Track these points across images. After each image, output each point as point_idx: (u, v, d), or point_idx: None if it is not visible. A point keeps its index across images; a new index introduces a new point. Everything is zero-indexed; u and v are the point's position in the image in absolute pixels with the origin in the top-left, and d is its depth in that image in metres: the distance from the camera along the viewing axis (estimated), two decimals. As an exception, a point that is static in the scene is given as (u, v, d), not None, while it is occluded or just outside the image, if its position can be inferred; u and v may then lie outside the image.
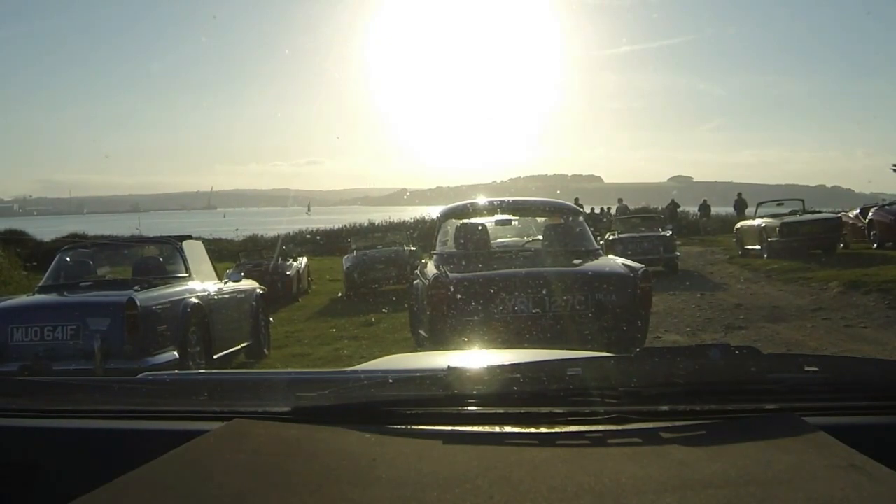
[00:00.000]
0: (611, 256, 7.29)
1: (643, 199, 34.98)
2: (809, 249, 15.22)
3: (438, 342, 5.45)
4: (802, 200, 18.53)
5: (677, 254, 16.25)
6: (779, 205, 18.88)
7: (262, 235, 32.23)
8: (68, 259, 7.58)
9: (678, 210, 31.89)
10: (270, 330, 9.25)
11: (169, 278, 7.28)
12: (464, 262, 6.32)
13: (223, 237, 31.09)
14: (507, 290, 5.59)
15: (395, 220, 33.58)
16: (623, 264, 6.13)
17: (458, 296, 5.56)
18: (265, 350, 8.73)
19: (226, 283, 7.99)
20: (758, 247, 16.90)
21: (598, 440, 0.99)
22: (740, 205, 27.70)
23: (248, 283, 8.78)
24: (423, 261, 7.16)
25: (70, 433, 1.14)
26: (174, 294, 6.85)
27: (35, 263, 15.10)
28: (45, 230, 28.88)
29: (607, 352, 1.60)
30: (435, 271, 5.91)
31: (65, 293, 6.88)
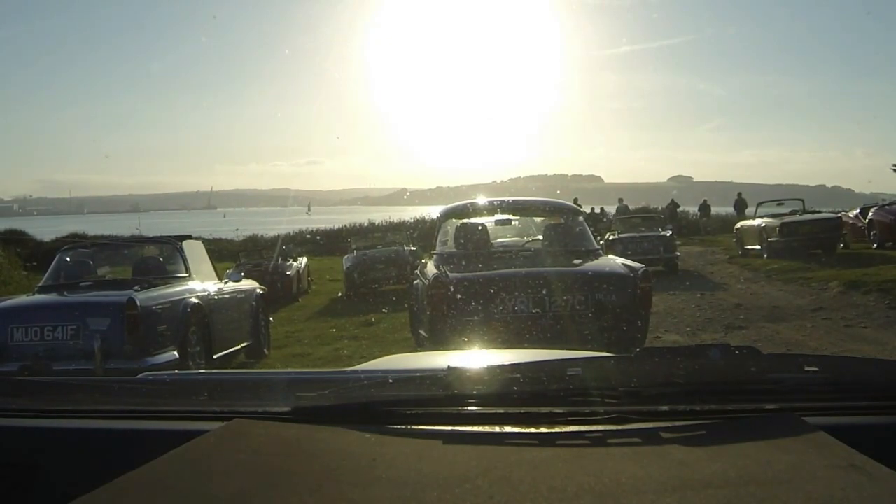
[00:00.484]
0: (611, 256, 7.29)
1: (643, 199, 35.00)
2: (809, 249, 15.23)
3: (438, 342, 5.45)
4: (802, 200, 18.54)
5: (677, 254, 16.25)
6: (779, 205, 18.88)
7: (262, 235, 32.23)
8: (68, 259, 7.58)
9: (678, 210, 31.89)
10: (270, 330, 9.25)
11: (169, 278, 7.28)
12: (464, 262, 6.32)
13: (223, 237, 31.10)
14: (507, 290, 5.60)
15: (395, 220, 33.57)
16: (623, 264, 6.13)
17: (458, 296, 5.56)
18: (265, 350, 8.73)
19: (226, 283, 7.99)
20: (758, 247, 16.90)
21: (598, 440, 0.99)
22: (740, 205, 27.71)
23: (248, 283, 8.78)
24: (423, 261, 7.17)
25: (70, 433, 1.14)
26: (174, 294, 6.85)
27: (35, 263, 15.10)
28: (45, 230, 28.88)
29: (607, 352, 1.60)
30: (435, 271, 5.91)
31: (65, 293, 6.88)
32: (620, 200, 30.07)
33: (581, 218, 7.12)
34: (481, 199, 7.60)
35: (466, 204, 7.34)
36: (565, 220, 7.13)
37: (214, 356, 7.15)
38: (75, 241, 16.35)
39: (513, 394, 1.09)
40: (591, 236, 6.87)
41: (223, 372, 3.77)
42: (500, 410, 1.09)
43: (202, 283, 7.48)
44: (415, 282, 7.05)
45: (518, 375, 1.11)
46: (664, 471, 0.87)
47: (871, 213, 17.20)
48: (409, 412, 1.10)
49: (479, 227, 6.79)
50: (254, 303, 8.56)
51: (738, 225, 19.31)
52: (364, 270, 15.45)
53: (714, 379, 1.10)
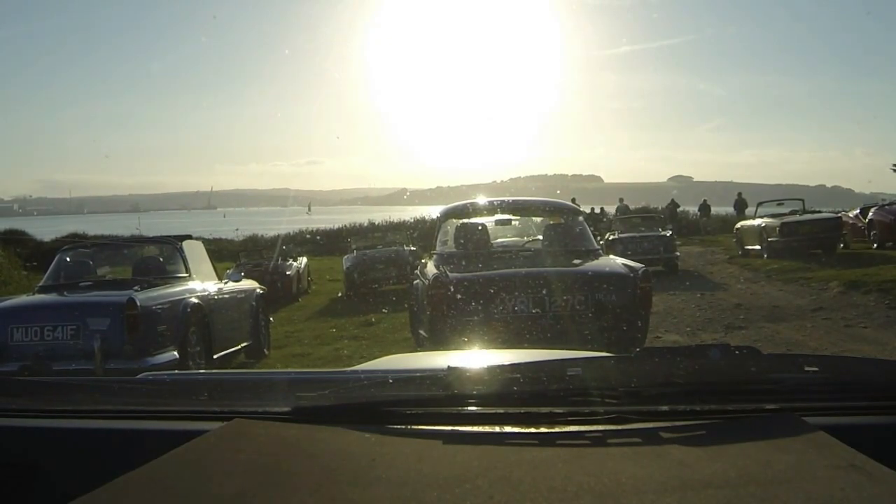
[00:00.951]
0: (611, 256, 7.29)
1: (643, 199, 35.00)
2: (809, 249, 15.23)
3: (438, 342, 5.45)
4: (802, 200, 18.54)
5: (677, 254, 16.26)
6: (779, 205, 18.88)
7: (262, 235, 32.24)
8: (68, 259, 7.58)
9: (678, 210, 31.89)
10: (270, 330, 9.25)
11: (169, 278, 7.28)
12: (464, 262, 6.32)
13: (223, 237, 31.11)
14: (507, 290, 5.59)
15: (395, 220, 33.56)
16: (623, 264, 6.13)
17: (458, 296, 5.56)
18: (265, 350, 8.73)
19: (226, 283, 7.99)
20: (758, 247, 16.90)
21: (598, 440, 0.99)
22: (740, 205, 27.71)
23: (248, 283, 8.78)
24: (423, 261, 7.16)
25: (70, 433, 1.14)
26: (174, 294, 6.85)
27: (35, 263, 15.10)
28: (45, 230, 28.88)
29: (607, 352, 1.60)
30: (435, 271, 5.91)
31: (65, 293, 6.88)
32: (621, 200, 30.07)
33: (581, 218, 7.12)
34: (481, 199, 7.60)
35: (466, 204, 7.34)
36: (565, 220, 7.13)
37: (214, 356, 7.15)
38: (75, 241, 16.35)
39: (513, 394, 1.09)
40: (591, 236, 6.87)
41: (223, 372, 3.77)
42: (500, 410, 1.09)
43: (202, 283, 7.48)
44: (415, 282, 7.05)
45: (518, 375, 1.11)
46: (664, 471, 0.87)
47: (871, 213, 17.20)
48: (409, 412, 1.10)
49: (479, 227, 6.79)
50: (254, 303, 8.56)
51: (738, 225, 19.31)
52: (364, 270, 15.45)
53: (714, 379, 1.10)
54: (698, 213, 32.29)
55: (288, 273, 15.99)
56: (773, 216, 17.47)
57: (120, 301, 6.10)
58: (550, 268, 6.01)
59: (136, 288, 6.49)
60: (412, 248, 16.36)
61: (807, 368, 1.12)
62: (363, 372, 1.47)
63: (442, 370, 1.11)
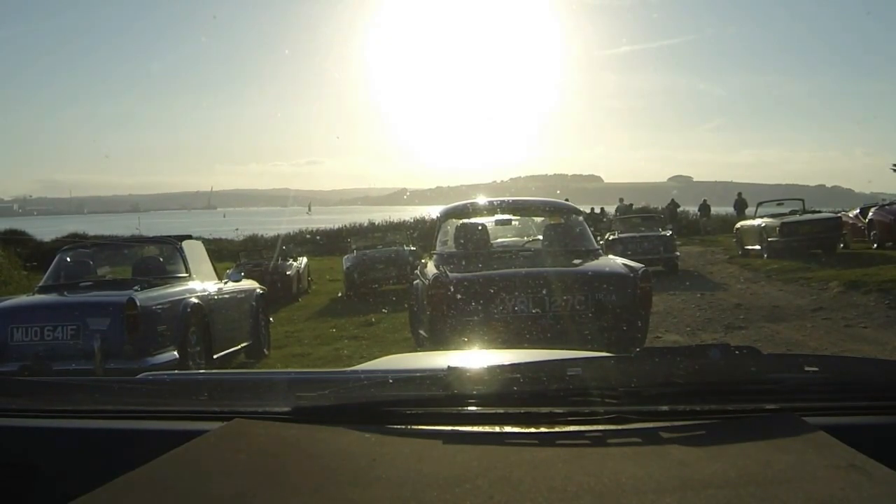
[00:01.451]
0: (611, 256, 7.29)
1: (643, 199, 35.00)
2: (809, 249, 15.23)
3: (438, 342, 5.45)
4: (802, 200, 18.54)
5: (677, 254, 16.26)
6: (779, 205, 18.89)
7: (262, 235, 32.25)
8: (68, 259, 7.58)
9: (678, 210, 31.89)
10: (270, 330, 9.25)
11: (169, 278, 7.28)
12: (464, 262, 6.32)
13: (223, 237, 31.13)
14: (507, 290, 5.59)
15: (395, 220, 33.58)
16: (623, 264, 6.13)
17: (458, 296, 5.56)
18: (265, 350, 8.73)
19: (226, 283, 7.99)
20: (758, 247, 16.90)
21: (598, 440, 0.99)
22: (740, 205, 27.71)
23: (248, 283, 8.78)
24: (423, 261, 7.17)
25: (70, 433, 1.14)
26: (174, 294, 6.85)
27: (35, 263, 15.10)
28: (45, 230, 28.90)
29: (607, 352, 1.60)
30: (435, 271, 5.91)
31: (65, 293, 6.88)
32: (621, 200, 30.07)
33: (581, 218, 7.12)
34: (481, 199, 7.60)
35: (466, 204, 7.34)
36: (565, 220, 7.13)
37: (214, 356, 7.14)
38: (75, 241, 16.35)
39: (513, 394, 1.09)
40: (591, 236, 6.87)
41: (223, 372, 3.77)
42: (500, 410, 1.09)
43: (202, 283, 7.48)
44: (415, 282, 7.05)
45: (518, 375, 1.11)
46: (664, 471, 0.87)
47: (871, 213, 17.20)
48: (409, 412, 1.10)
49: (479, 227, 6.78)
50: (254, 303, 8.56)
51: (738, 225, 19.31)
52: (364, 270, 15.45)
53: (714, 379, 1.10)
54: (698, 213, 32.29)
55: (288, 273, 16.00)
56: (773, 216, 17.47)
57: (120, 301, 6.10)
58: (550, 268, 6.00)
59: (136, 288, 6.49)
60: (412, 248, 16.37)
61: (807, 368, 1.12)
62: (363, 372, 1.47)
63: (442, 370, 1.11)
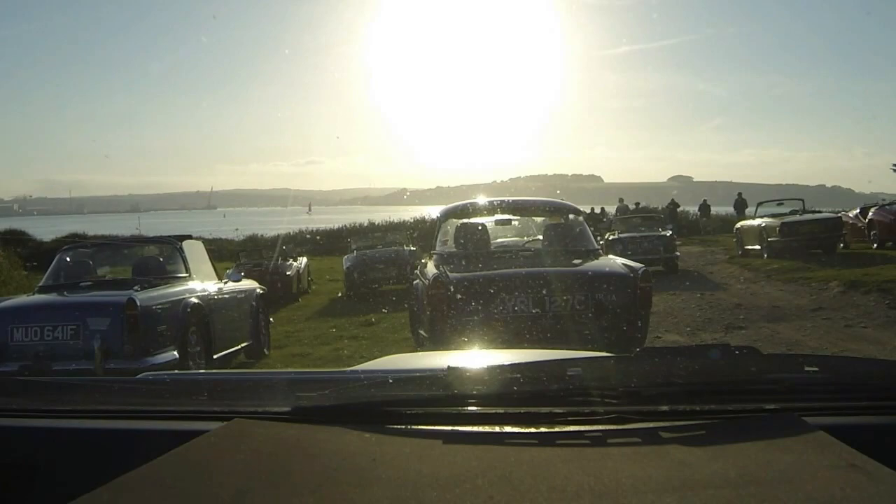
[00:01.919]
0: (611, 256, 7.29)
1: (643, 198, 35.01)
2: (809, 249, 15.22)
3: (438, 342, 5.45)
4: (802, 200, 18.53)
5: (677, 254, 16.26)
6: (779, 205, 18.88)
7: (262, 235, 32.27)
8: (68, 259, 7.58)
9: (678, 210, 31.89)
10: (270, 330, 9.25)
11: (169, 278, 7.28)
12: (464, 262, 6.32)
13: (223, 237, 31.12)
14: (507, 290, 5.59)
15: (395, 220, 33.58)
16: (623, 264, 6.12)
17: (458, 296, 5.56)
18: (265, 350, 8.73)
19: (226, 283, 7.99)
20: (758, 247, 16.90)
21: (598, 440, 0.99)
22: (740, 205, 27.71)
23: (248, 283, 8.77)
24: (423, 261, 7.16)
25: (70, 433, 1.14)
26: (174, 294, 6.85)
27: (35, 263, 15.10)
28: (45, 230, 28.92)
29: (607, 352, 1.60)
30: (435, 271, 5.91)
31: (65, 293, 6.88)
32: (621, 200, 30.07)
33: (581, 218, 7.12)
34: (481, 199, 7.60)
35: (466, 204, 7.34)
36: (565, 220, 7.13)
37: (214, 356, 7.14)
38: (75, 241, 16.35)
39: (513, 394, 1.09)
40: (591, 236, 6.87)
41: (223, 372, 3.77)
42: (500, 410, 1.09)
43: (202, 283, 7.48)
44: (415, 282, 7.04)
45: (518, 375, 1.11)
46: (664, 471, 0.87)
47: (871, 213, 17.19)
48: (409, 412, 1.10)
49: (479, 227, 6.78)
50: (254, 303, 8.56)
51: (738, 225, 19.30)
52: (364, 270, 15.46)
53: (714, 379, 1.10)
54: (698, 213, 32.29)
55: (288, 273, 15.99)
56: (773, 216, 17.46)
57: (120, 301, 6.10)
58: (550, 268, 6.00)
59: (136, 288, 6.49)
60: (412, 248, 16.37)
61: (807, 368, 1.12)
62: (363, 372, 1.47)
63: (442, 370, 1.11)
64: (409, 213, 39.05)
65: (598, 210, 30.91)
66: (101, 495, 0.85)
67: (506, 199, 7.68)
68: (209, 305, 7.22)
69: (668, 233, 16.81)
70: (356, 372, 1.45)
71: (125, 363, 5.80)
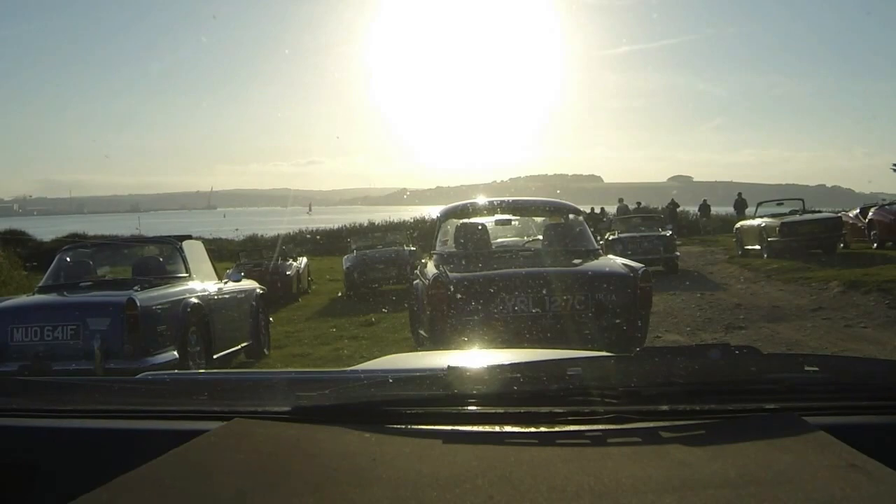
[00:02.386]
0: (611, 256, 7.29)
1: (643, 198, 35.02)
2: (809, 249, 15.22)
3: (438, 342, 5.45)
4: (802, 200, 18.53)
5: (677, 254, 16.26)
6: (779, 205, 18.87)
7: (262, 235, 32.29)
8: (68, 259, 7.58)
9: (678, 210, 31.89)
10: (270, 330, 9.25)
11: (169, 278, 7.28)
12: (464, 262, 6.32)
13: (223, 237, 31.14)
14: (507, 290, 5.59)
15: (395, 220, 33.58)
16: (623, 264, 6.13)
17: (458, 296, 5.56)
18: (265, 350, 8.73)
19: (226, 283, 7.99)
20: (758, 247, 16.90)
21: (598, 440, 0.99)
22: (740, 205, 27.72)
23: (248, 283, 8.78)
24: (423, 261, 7.17)
25: (70, 433, 1.14)
26: (174, 294, 6.85)
27: (35, 263, 15.10)
28: (45, 230, 28.93)
29: (607, 352, 1.60)
30: (435, 271, 5.91)
31: (65, 293, 6.88)
32: (621, 200, 30.07)
33: (581, 218, 7.13)
34: (481, 199, 7.60)
35: (466, 204, 7.34)
36: (565, 220, 7.13)
37: (214, 356, 7.14)
38: (75, 241, 16.35)
39: (513, 393, 1.09)
40: (591, 236, 6.87)
41: (223, 372, 3.77)
42: (500, 410, 1.09)
43: (202, 283, 7.48)
44: (415, 282, 7.04)
45: (518, 375, 1.11)
46: (664, 471, 0.87)
47: (871, 213, 17.19)
48: (409, 412, 1.10)
49: (479, 227, 6.78)
50: (254, 303, 8.56)
51: (738, 225, 19.30)
52: (364, 270, 15.46)
53: (714, 379, 1.10)
54: (698, 213, 32.29)
55: (288, 273, 15.99)
56: (773, 216, 17.46)
57: (120, 301, 6.10)
58: (550, 268, 6.00)
59: (135, 288, 6.49)
60: (412, 248, 16.37)
61: (807, 368, 1.12)
62: (363, 372, 1.47)
63: (442, 370, 1.11)
64: (409, 213, 39.07)
65: (598, 210, 30.90)
66: (101, 495, 0.85)
67: (506, 198, 7.69)
68: (209, 305, 7.22)
69: (668, 233, 16.81)
70: (356, 372, 1.45)
71: (125, 363, 5.80)
